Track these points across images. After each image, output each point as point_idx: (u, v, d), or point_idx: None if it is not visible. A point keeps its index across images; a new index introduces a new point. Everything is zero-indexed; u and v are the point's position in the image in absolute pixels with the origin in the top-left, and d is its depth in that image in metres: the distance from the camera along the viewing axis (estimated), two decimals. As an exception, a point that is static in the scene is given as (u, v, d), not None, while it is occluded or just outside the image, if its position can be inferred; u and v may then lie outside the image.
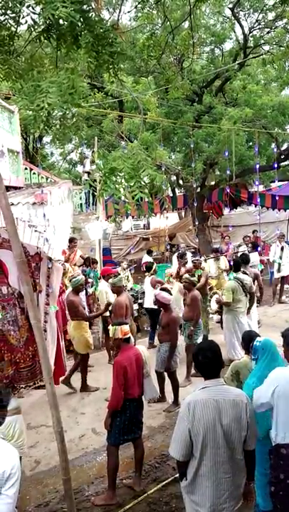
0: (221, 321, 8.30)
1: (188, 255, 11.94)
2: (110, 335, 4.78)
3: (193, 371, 7.06)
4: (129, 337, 4.74)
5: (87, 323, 7.39)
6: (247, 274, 7.90)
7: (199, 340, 7.09)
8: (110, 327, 4.82)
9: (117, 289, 7.09)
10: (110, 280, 7.27)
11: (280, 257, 11.43)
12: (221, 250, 11.79)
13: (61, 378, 5.67)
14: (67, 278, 8.15)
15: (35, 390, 4.57)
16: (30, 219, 8.81)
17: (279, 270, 11.49)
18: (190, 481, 2.99)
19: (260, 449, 3.34)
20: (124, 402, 4.52)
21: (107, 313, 7.86)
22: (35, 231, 5.89)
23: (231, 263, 7.85)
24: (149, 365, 4.84)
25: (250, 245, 11.16)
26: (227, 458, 2.91)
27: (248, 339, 4.20)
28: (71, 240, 10.62)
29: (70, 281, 7.27)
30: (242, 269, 7.86)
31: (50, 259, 4.56)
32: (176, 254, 11.46)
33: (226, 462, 2.91)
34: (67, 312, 7.27)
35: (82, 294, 7.88)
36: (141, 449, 4.77)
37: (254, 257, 10.51)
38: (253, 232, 13.44)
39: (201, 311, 7.42)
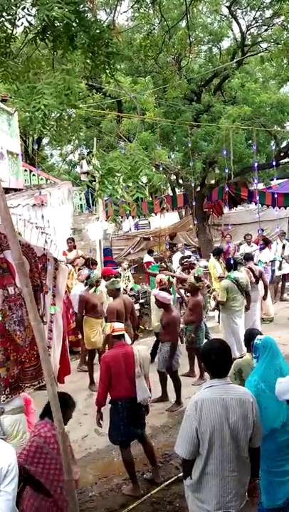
0: (218, 319, 8.33)
1: (188, 254, 11.91)
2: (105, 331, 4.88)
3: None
4: (121, 335, 4.73)
5: (97, 320, 7.43)
6: (253, 270, 7.91)
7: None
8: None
9: (111, 292, 7.03)
10: (105, 284, 7.27)
11: (281, 255, 11.42)
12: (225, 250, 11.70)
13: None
14: (70, 279, 8.17)
15: (39, 390, 4.58)
16: (30, 220, 8.83)
17: (280, 268, 11.48)
18: (196, 480, 2.99)
19: (263, 446, 3.34)
20: (116, 402, 4.53)
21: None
22: (42, 233, 5.92)
23: (231, 262, 7.80)
24: (144, 366, 4.70)
25: (261, 242, 11.03)
26: (234, 456, 2.92)
27: (249, 337, 4.19)
28: (70, 240, 10.63)
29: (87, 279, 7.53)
30: (249, 266, 7.90)
31: (56, 260, 4.56)
32: (176, 254, 11.44)
33: (233, 460, 2.92)
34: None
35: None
36: (148, 442, 4.82)
37: (266, 254, 10.50)
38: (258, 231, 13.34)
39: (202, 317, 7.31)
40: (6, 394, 3.96)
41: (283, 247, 11.52)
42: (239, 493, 2.96)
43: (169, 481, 4.77)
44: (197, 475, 2.97)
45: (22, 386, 4.15)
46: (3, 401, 3.93)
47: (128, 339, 4.83)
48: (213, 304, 8.01)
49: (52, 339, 4.47)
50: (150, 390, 4.88)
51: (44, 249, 4.57)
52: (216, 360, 3.03)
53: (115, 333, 4.69)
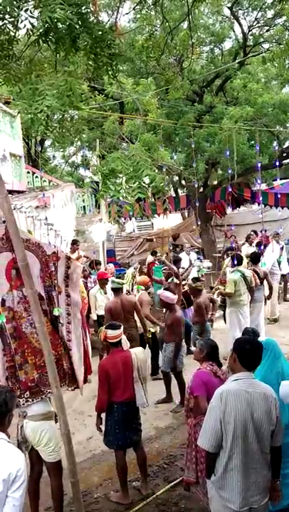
0: (224, 317, 8.31)
1: (193, 256, 11.90)
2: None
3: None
4: (118, 342, 4.59)
5: None
6: (257, 272, 7.90)
7: None
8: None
9: (116, 291, 6.97)
10: (111, 285, 7.20)
11: (281, 256, 11.36)
12: (236, 248, 11.59)
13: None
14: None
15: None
16: (38, 217, 8.76)
17: (280, 269, 11.41)
18: (220, 476, 2.98)
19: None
20: (112, 405, 4.49)
21: (95, 317, 8.09)
22: (51, 229, 5.74)
23: (235, 261, 7.80)
24: (142, 369, 4.62)
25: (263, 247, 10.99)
26: (256, 451, 2.92)
27: None
28: (73, 243, 10.64)
29: None
30: (253, 267, 7.91)
31: (68, 258, 4.34)
32: (179, 255, 11.43)
33: (256, 455, 2.92)
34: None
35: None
36: (141, 453, 4.71)
37: (270, 258, 10.42)
38: (261, 231, 13.28)
39: (205, 318, 7.18)
40: (25, 397, 3.88)
41: (282, 248, 11.46)
42: (261, 488, 2.96)
43: (174, 482, 4.76)
44: (221, 470, 2.96)
45: (44, 391, 3.98)
46: (23, 404, 3.86)
47: (125, 343, 4.73)
48: (218, 299, 8.00)
49: (71, 341, 4.22)
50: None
51: (54, 246, 4.39)
52: (250, 350, 3.04)
53: (110, 341, 4.55)
